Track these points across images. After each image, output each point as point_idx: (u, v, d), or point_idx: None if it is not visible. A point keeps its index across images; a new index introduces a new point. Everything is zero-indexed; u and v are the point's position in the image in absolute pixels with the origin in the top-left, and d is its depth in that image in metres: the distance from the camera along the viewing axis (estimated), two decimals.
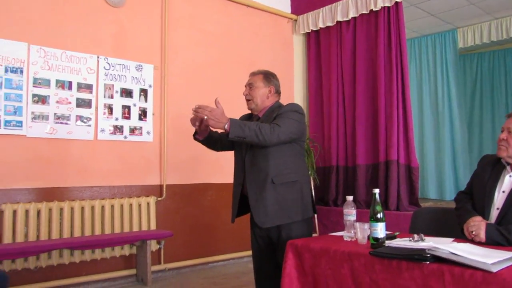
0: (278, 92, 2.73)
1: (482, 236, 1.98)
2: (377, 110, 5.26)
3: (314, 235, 4.44)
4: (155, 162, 4.64)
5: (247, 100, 2.69)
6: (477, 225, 2.03)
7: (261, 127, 2.38)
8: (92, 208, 4.10)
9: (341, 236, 2.26)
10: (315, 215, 5.26)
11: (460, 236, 2.14)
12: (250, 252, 2.77)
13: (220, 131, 2.51)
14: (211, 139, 2.70)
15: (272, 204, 2.49)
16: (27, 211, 3.75)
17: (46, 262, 3.76)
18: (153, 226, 4.44)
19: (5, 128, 3.72)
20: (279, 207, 2.49)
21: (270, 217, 2.49)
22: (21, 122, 3.81)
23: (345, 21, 5.61)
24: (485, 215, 2.16)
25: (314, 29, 5.91)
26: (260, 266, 2.70)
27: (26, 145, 3.84)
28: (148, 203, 4.45)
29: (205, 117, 2.34)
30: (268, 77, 2.70)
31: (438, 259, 1.66)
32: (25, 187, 3.82)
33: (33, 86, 3.90)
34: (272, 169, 2.49)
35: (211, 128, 2.59)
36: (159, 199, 4.58)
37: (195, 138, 2.69)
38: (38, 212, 3.80)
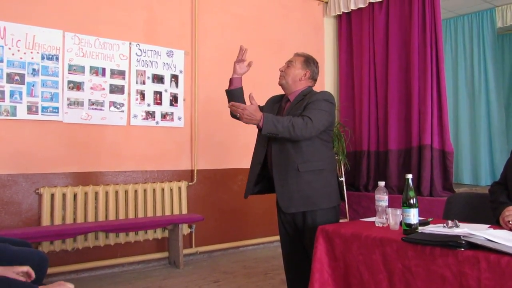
0: (313, 79, 2.74)
1: None
2: (410, 93, 5.15)
3: (344, 220, 4.42)
4: (186, 147, 4.69)
5: (280, 76, 2.72)
6: None
7: (294, 124, 2.38)
8: (126, 192, 4.20)
9: (373, 222, 2.23)
10: (346, 201, 5.23)
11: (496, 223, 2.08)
12: (279, 237, 2.79)
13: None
14: (234, 96, 2.78)
15: (296, 191, 2.50)
16: (64, 195, 3.87)
17: (82, 244, 3.89)
18: (184, 211, 4.51)
19: (42, 114, 3.84)
20: (303, 194, 2.50)
21: (294, 203, 2.51)
22: (57, 108, 3.92)
23: (378, 2, 5.47)
24: None
25: (346, 11, 5.78)
26: (288, 251, 2.72)
27: (62, 131, 3.95)
28: (179, 188, 4.52)
29: (238, 115, 2.40)
30: (309, 61, 2.71)
31: (473, 246, 1.62)
32: (62, 172, 3.94)
33: (68, 73, 3.99)
34: (299, 157, 2.50)
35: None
36: (190, 183, 4.64)
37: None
38: (75, 196, 3.92)
